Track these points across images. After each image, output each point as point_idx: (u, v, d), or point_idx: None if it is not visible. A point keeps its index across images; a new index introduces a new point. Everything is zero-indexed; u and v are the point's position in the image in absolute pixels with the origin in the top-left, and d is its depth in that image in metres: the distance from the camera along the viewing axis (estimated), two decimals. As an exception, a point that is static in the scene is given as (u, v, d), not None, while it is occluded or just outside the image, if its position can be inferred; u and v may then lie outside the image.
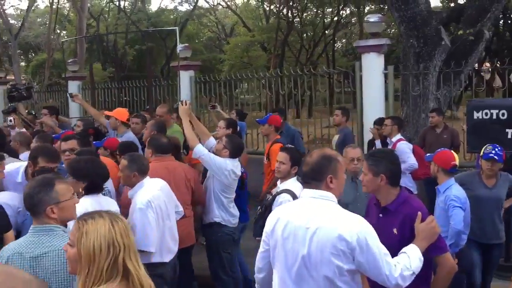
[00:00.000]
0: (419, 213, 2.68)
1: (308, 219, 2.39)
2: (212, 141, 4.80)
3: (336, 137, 6.68)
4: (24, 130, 6.30)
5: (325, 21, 26.73)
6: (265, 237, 2.62)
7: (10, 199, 3.51)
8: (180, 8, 31.10)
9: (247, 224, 5.06)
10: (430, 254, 2.68)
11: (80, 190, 3.28)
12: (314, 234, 2.33)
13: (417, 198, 3.01)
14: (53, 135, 5.58)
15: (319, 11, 26.36)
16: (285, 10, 25.24)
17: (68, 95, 7.53)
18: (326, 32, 26.82)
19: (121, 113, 6.12)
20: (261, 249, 2.67)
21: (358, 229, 2.31)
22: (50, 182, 2.46)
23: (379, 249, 2.33)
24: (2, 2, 24.53)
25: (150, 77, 11.18)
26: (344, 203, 3.52)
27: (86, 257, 1.83)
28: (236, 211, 4.69)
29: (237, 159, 4.61)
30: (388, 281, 2.34)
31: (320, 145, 8.64)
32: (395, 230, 2.76)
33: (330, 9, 26.18)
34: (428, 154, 4.60)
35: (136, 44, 26.45)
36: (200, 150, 4.39)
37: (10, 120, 6.66)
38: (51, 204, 2.40)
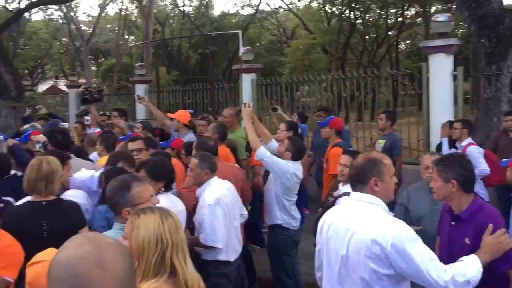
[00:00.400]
0: (490, 225, 2.53)
1: (349, 221, 2.42)
2: (274, 143, 4.82)
3: (381, 143, 6.38)
4: (99, 130, 6.62)
5: (389, 22, 26.08)
6: (318, 237, 2.68)
7: (79, 198, 3.67)
8: (242, 12, 31.57)
9: (303, 226, 5.02)
10: (500, 268, 2.52)
11: (162, 190, 3.40)
12: (352, 236, 2.35)
13: (492, 206, 2.85)
14: (119, 137, 5.81)
15: (382, 12, 25.76)
16: (347, 12, 24.88)
17: (136, 97, 7.83)
18: (390, 33, 26.17)
19: (182, 115, 6.23)
20: (316, 248, 2.74)
21: (393, 234, 2.24)
22: (127, 185, 2.52)
23: (422, 254, 2.24)
24: (75, 9, 25.93)
25: (212, 80, 11.40)
26: (418, 216, 3.38)
27: (136, 250, 1.86)
28: (297, 214, 4.66)
29: (299, 161, 4.58)
30: (437, 285, 2.24)
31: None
32: (467, 240, 2.63)
33: (394, 10, 25.51)
34: (504, 160, 4.34)
35: (199, 48, 27.08)
36: (262, 153, 4.40)
37: (87, 120, 7.02)
38: (127, 207, 2.47)
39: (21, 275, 2.33)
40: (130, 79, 14.61)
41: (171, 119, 6.38)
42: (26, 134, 5.37)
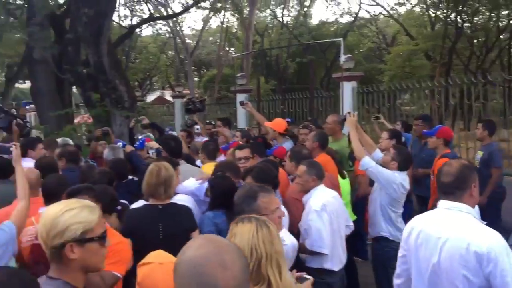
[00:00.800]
0: None
1: (440, 229, 2.43)
2: (378, 153, 4.72)
3: (479, 154, 5.95)
4: (206, 138, 6.92)
5: (500, 24, 24.30)
6: (402, 243, 2.71)
7: (187, 202, 3.83)
8: (340, 20, 31.23)
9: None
10: None
11: None
12: (444, 244, 2.37)
13: None
14: (222, 146, 6.02)
15: (492, 14, 24.08)
16: (453, 16, 23.60)
17: (239, 103, 8.10)
18: (501, 36, 24.38)
19: (278, 124, 6.26)
20: (399, 255, 2.75)
21: (489, 243, 2.25)
22: (253, 194, 2.60)
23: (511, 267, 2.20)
24: (181, 24, 27.42)
25: (312, 89, 11.42)
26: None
27: None
28: (404, 226, 4.46)
29: (406, 172, 4.42)
30: None
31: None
32: None
33: (506, 12, 23.72)
34: None
35: (297, 57, 27.27)
36: (367, 162, 4.31)
37: (197, 129, 7.40)
38: None
39: (134, 274, 2.49)
40: (231, 89, 15.09)
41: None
42: (141, 141, 5.75)
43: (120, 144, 5.56)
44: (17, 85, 27.69)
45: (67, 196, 3.02)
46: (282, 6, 29.61)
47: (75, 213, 1.87)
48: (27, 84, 28.69)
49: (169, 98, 25.63)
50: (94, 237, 1.89)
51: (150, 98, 32.82)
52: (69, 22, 11.07)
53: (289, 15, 30.83)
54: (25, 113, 18.13)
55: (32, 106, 19.39)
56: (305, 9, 30.40)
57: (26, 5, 11.60)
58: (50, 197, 3.44)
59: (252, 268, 1.85)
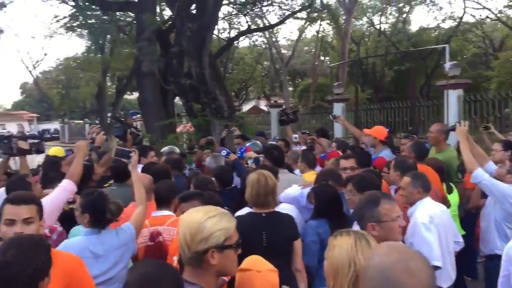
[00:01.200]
0: None
1: None
2: (492, 165, 4.46)
3: None
4: (304, 147, 6.95)
5: None
6: (506, 262, 2.59)
7: (291, 212, 3.84)
8: (442, 25, 29.75)
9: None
10: None
11: None
12: None
13: None
14: (320, 155, 5.99)
15: None
16: None
17: (330, 116, 8.03)
18: None
19: (379, 131, 6.11)
20: (501, 274, 2.61)
21: None
22: (376, 200, 2.60)
23: None
24: (276, 34, 27.84)
25: (412, 97, 11.00)
26: None
27: (331, 270, 1.90)
28: (521, 245, 4.13)
29: (524, 186, 4.08)
30: None
31: None
32: None
33: None
34: None
35: (394, 65, 26.45)
36: (480, 175, 4.06)
37: (295, 138, 7.46)
38: (372, 222, 2.53)
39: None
40: (326, 98, 14.99)
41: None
42: (241, 151, 5.89)
43: (224, 152, 5.74)
44: (124, 96, 29.76)
45: (180, 201, 3.17)
46: (379, 13, 28.94)
47: (217, 220, 1.96)
48: (133, 95, 30.75)
49: (264, 108, 26.07)
50: (232, 244, 1.99)
51: (246, 107, 33.57)
52: (174, 36, 11.71)
53: (386, 22, 30.04)
54: (132, 122, 19.40)
55: (139, 115, 20.70)
56: (404, 15, 29.42)
57: (135, 22, 12.47)
58: (161, 202, 3.64)
59: (349, 280, 1.87)
